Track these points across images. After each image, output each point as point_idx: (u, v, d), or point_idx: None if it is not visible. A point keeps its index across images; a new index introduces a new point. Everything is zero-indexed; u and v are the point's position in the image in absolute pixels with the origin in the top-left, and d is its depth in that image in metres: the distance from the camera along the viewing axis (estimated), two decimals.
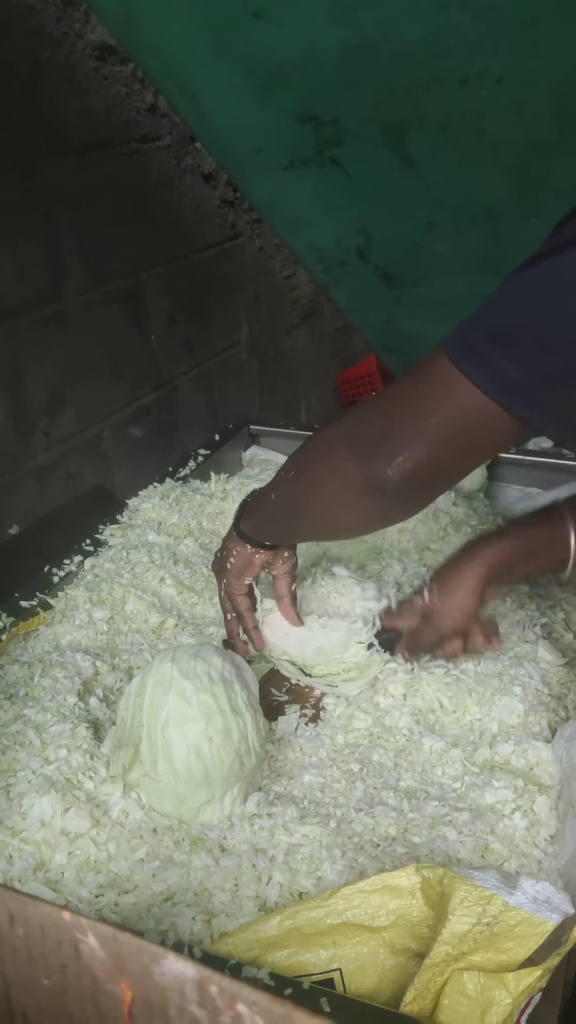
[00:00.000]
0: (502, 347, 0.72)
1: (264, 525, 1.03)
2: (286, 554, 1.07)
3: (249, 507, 1.05)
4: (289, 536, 1.05)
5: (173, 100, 1.55)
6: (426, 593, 1.01)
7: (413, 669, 1.06)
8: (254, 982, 0.56)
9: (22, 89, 1.44)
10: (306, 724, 1.02)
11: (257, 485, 1.43)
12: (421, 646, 1.05)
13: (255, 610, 1.09)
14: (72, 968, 0.41)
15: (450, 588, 0.99)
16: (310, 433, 1.71)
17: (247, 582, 1.08)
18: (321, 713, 1.04)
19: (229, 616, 1.10)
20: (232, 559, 1.06)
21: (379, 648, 1.07)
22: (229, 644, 1.10)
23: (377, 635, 1.08)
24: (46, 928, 0.41)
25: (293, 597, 1.09)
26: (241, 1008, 0.37)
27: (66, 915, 0.41)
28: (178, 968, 0.38)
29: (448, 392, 0.75)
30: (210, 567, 1.12)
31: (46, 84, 1.50)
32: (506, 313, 0.74)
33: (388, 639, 1.07)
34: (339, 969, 0.75)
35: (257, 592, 1.09)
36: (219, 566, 1.09)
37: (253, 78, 1.38)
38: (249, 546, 1.04)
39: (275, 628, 1.08)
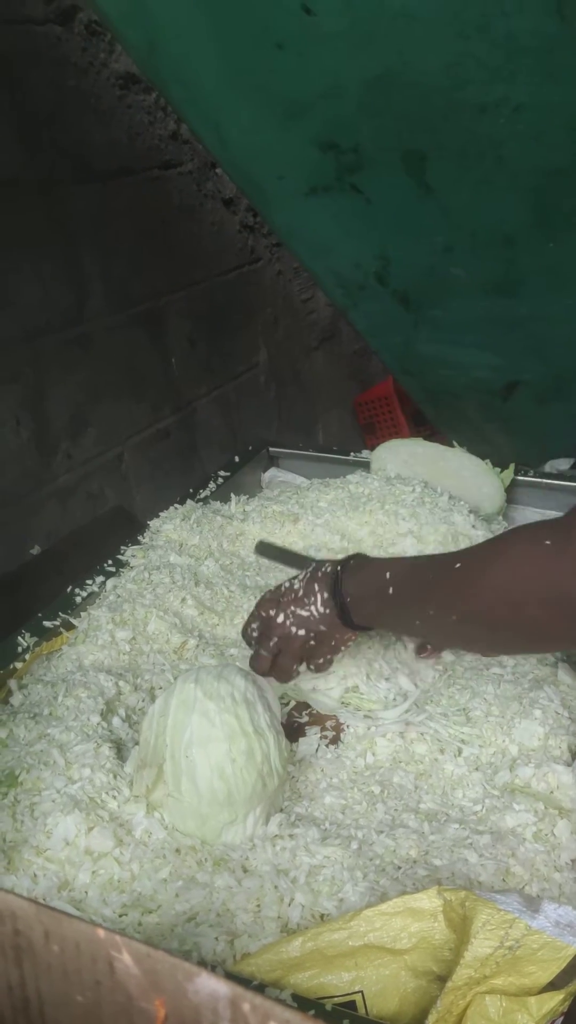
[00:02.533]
0: None
1: (402, 630, 1.02)
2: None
3: (360, 601, 0.96)
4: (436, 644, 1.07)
5: (195, 128, 1.58)
6: None
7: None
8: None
9: (48, 117, 1.47)
10: (327, 746, 1.03)
11: (276, 507, 1.45)
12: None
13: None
14: (106, 985, 0.42)
15: None
16: (328, 455, 1.74)
17: (330, 658, 1.01)
18: (341, 735, 1.04)
19: (265, 653, 1.01)
20: (332, 642, 0.98)
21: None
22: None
23: None
24: (81, 945, 0.42)
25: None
26: None
27: (101, 932, 0.42)
28: (212, 986, 0.39)
29: None
30: (258, 608, 1.04)
31: (71, 112, 1.53)
32: None
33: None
34: (361, 992, 0.75)
35: None
36: (281, 633, 0.99)
37: (275, 107, 1.40)
38: (355, 632, 0.98)
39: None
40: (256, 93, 1.38)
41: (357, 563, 0.99)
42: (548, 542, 0.79)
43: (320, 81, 1.32)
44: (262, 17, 1.24)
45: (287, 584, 1.02)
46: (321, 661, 1.01)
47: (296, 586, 1.01)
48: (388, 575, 0.93)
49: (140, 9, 1.28)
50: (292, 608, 0.99)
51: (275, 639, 1.00)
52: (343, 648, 1.01)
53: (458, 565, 0.87)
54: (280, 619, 1.00)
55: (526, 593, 0.80)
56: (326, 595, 0.97)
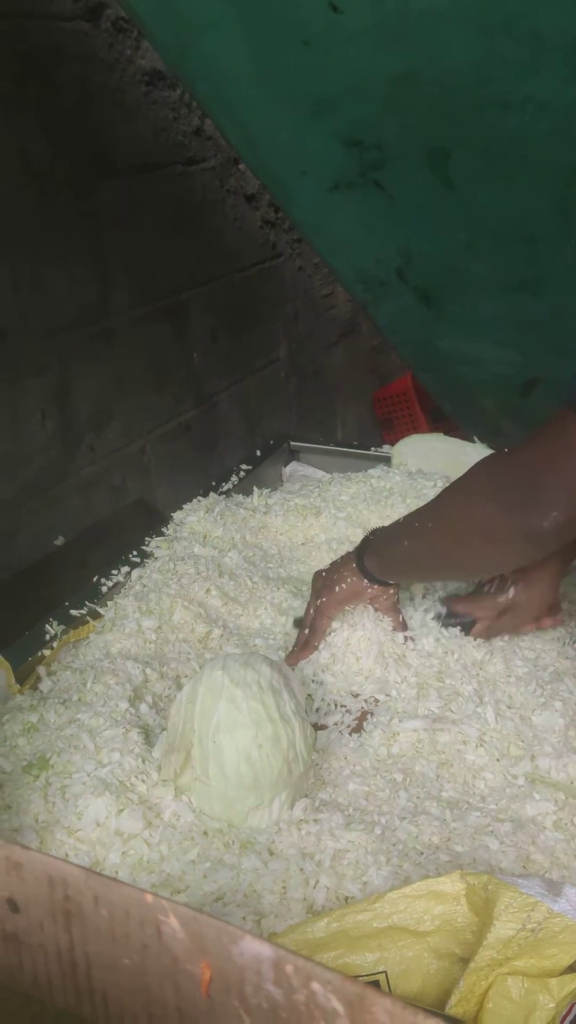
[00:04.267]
0: None
1: (391, 566, 1.10)
2: (392, 591, 1.15)
3: (373, 545, 1.12)
4: (417, 578, 1.16)
5: (220, 124, 1.59)
6: (511, 590, 1.11)
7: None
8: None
9: (74, 113, 1.49)
10: (350, 734, 1.04)
11: (299, 500, 1.47)
12: (498, 632, 1.16)
13: (325, 635, 1.16)
14: (153, 948, 0.43)
15: (532, 582, 1.11)
16: (349, 449, 1.75)
17: (346, 608, 1.16)
18: (364, 724, 1.06)
19: (306, 630, 1.17)
20: (343, 585, 1.13)
21: (456, 629, 1.17)
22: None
23: (446, 618, 1.17)
24: (130, 910, 0.44)
25: (401, 621, 1.18)
26: (315, 986, 0.39)
27: (149, 897, 0.43)
28: (256, 948, 0.41)
29: None
30: (311, 581, 1.19)
31: (97, 108, 1.55)
32: None
33: (464, 623, 1.16)
34: (384, 972, 0.77)
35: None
36: (324, 587, 1.15)
37: (301, 104, 1.41)
38: (366, 580, 1.12)
39: None
40: (282, 90, 1.39)
41: (378, 530, 1.15)
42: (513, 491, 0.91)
43: (346, 78, 1.33)
44: (289, 15, 1.25)
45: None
46: (348, 608, 1.17)
47: (338, 559, 1.18)
48: (406, 543, 1.07)
49: (169, 8, 1.30)
50: (332, 573, 1.15)
51: (322, 598, 1.15)
52: (368, 599, 1.15)
53: (430, 524, 1.03)
54: (331, 578, 1.15)
55: (493, 538, 0.93)
56: (353, 555, 1.14)
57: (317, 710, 1.09)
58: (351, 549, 1.17)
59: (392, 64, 1.28)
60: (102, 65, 1.54)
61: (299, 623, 1.21)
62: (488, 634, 1.16)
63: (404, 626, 1.17)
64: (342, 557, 1.17)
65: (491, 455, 0.99)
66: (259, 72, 1.36)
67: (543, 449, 0.88)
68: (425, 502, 1.35)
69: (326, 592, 1.14)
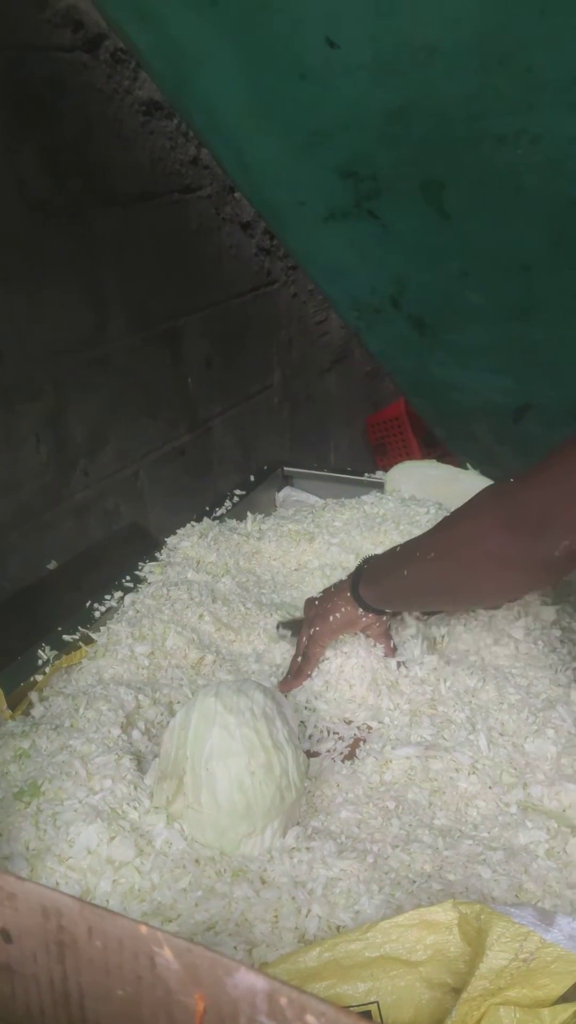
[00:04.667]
0: None
1: (390, 596, 1.09)
2: (385, 618, 1.14)
3: (368, 574, 1.11)
4: (419, 607, 1.14)
5: (217, 154, 1.61)
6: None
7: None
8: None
9: (73, 142, 1.51)
10: (342, 761, 1.04)
11: (292, 526, 1.47)
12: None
13: (318, 663, 1.16)
14: (147, 979, 0.43)
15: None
16: (342, 475, 1.76)
17: (341, 635, 1.15)
18: (357, 751, 1.06)
19: (299, 658, 1.16)
20: (336, 615, 1.13)
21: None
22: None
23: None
24: (123, 941, 0.44)
25: (391, 647, 1.17)
26: (310, 1019, 0.39)
27: (143, 928, 0.43)
28: (250, 980, 0.41)
29: None
30: (303, 608, 1.19)
31: (96, 138, 1.57)
32: None
33: None
34: (376, 1002, 0.76)
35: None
36: (318, 614, 1.15)
37: (297, 135, 1.43)
38: (361, 609, 1.12)
39: None
40: (279, 122, 1.41)
41: (372, 558, 1.14)
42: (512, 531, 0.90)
43: (342, 111, 1.35)
44: (287, 49, 1.27)
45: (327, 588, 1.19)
46: (342, 636, 1.16)
47: (330, 587, 1.18)
48: (406, 572, 1.05)
49: (167, 40, 1.32)
50: (325, 602, 1.15)
51: (315, 627, 1.14)
52: (361, 628, 1.15)
53: (433, 554, 1.01)
54: (324, 606, 1.15)
55: (503, 568, 0.93)
56: (347, 584, 1.13)
57: (310, 737, 1.09)
58: (343, 576, 1.17)
59: (388, 98, 1.30)
60: (101, 95, 1.56)
61: (284, 625, 1.22)
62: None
63: (395, 652, 1.17)
64: (335, 585, 1.16)
65: (498, 483, 0.98)
66: (256, 104, 1.38)
67: (554, 477, 0.88)
68: (418, 528, 1.37)
69: (319, 621, 1.14)
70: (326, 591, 1.17)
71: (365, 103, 1.32)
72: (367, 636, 1.16)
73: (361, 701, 1.13)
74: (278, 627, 1.25)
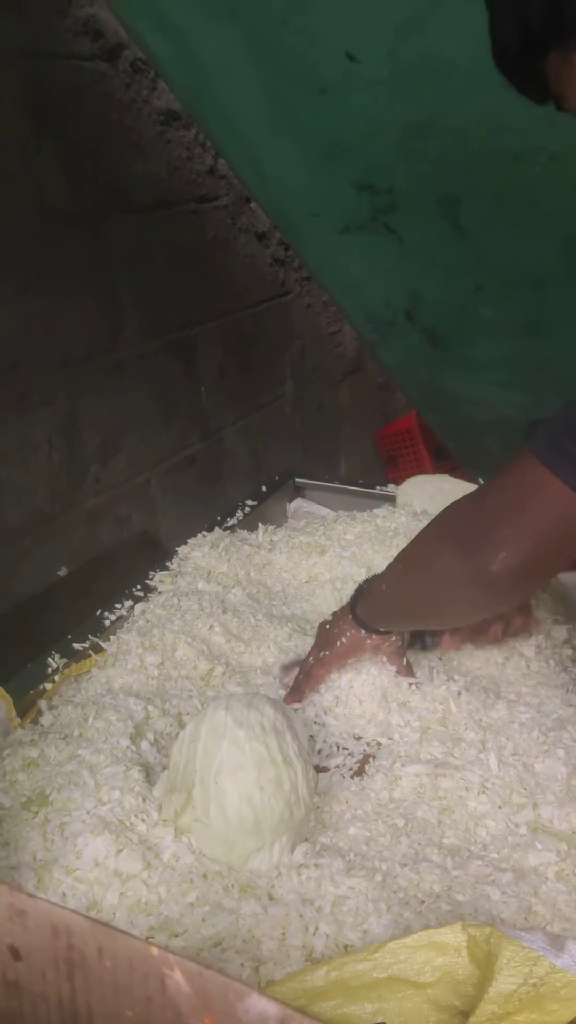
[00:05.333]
0: None
1: (377, 613, 1.09)
2: (394, 638, 1.12)
3: (364, 592, 1.10)
4: (400, 624, 1.11)
5: (234, 164, 1.62)
6: None
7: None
8: None
9: (91, 151, 1.52)
10: (351, 778, 1.04)
11: (304, 538, 1.47)
12: (462, 635, 1.16)
13: (318, 687, 1.15)
14: (157, 1002, 0.43)
15: None
16: (354, 487, 1.76)
17: (349, 662, 1.13)
18: (366, 768, 1.05)
19: (301, 676, 1.15)
20: (343, 639, 1.11)
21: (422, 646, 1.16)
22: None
23: (413, 637, 1.16)
24: (134, 962, 0.43)
25: (406, 666, 1.15)
26: None
27: (154, 950, 0.43)
28: (262, 1006, 0.40)
29: (543, 492, 0.81)
30: (316, 631, 1.17)
31: (114, 146, 1.57)
32: None
33: (422, 633, 1.16)
34: (383, 1023, 0.76)
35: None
36: (326, 640, 1.13)
37: (315, 148, 1.43)
38: (363, 630, 1.10)
39: None
40: (297, 134, 1.41)
41: (372, 577, 1.13)
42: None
43: (360, 125, 1.35)
44: (307, 63, 1.27)
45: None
46: (351, 661, 1.14)
47: (338, 610, 1.17)
48: (384, 587, 1.07)
49: (187, 52, 1.32)
50: (333, 626, 1.13)
51: (324, 651, 1.13)
52: (370, 651, 1.12)
53: (401, 567, 1.04)
54: (332, 631, 1.13)
55: (451, 582, 0.94)
56: (348, 605, 1.13)
57: (319, 752, 1.08)
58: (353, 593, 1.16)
59: (406, 113, 1.30)
60: (119, 105, 1.57)
61: (286, 670, 1.20)
62: (455, 636, 1.15)
63: (410, 671, 1.15)
64: (342, 608, 1.15)
65: (456, 500, 0.98)
66: (274, 116, 1.39)
67: (501, 490, 0.88)
68: None
69: (328, 646, 1.12)
70: (335, 615, 1.16)
71: (383, 117, 1.32)
72: (383, 658, 1.14)
73: (371, 717, 1.12)
74: (281, 670, 1.22)
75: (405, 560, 1.03)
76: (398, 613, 1.09)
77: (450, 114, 1.28)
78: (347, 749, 1.08)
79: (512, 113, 1.27)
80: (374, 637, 1.10)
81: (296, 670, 1.17)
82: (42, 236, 1.43)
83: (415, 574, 1.01)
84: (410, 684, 1.14)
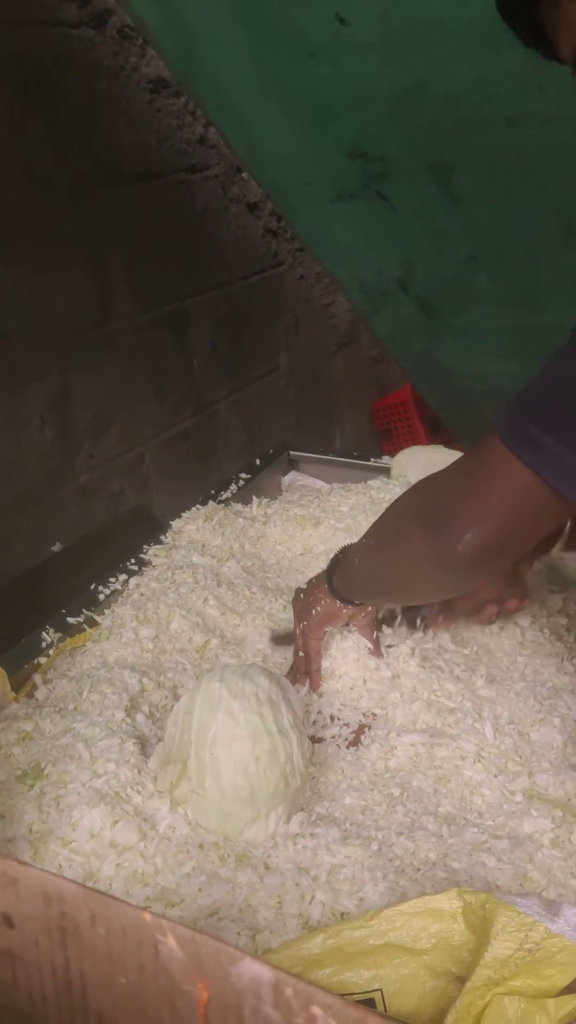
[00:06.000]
0: (556, 432, 0.77)
1: (349, 585, 1.08)
2: (370, 608, 1.13)
3: (339, 562, 1.10)
4: (371, 599, 1.11)
5: (225, 133, 1.60)
6: None
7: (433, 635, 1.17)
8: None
9: (79, 120, 1.49)
10: (347, 748, 1.04)
11: (298, 510, 1.47)
12: (456, 614, 1.15)
13: (322, 653, 1.14)
14: (150, 968, 0.43)
15: None
16: (348, 459, 1.75)
17: (327, 630, 1.13)
18: (362, 738, 1.05)
19: (300, 653, 1.14)
20: (318, 608, 1.11)
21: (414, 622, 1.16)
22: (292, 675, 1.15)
23: (405, 613, 1.16)
24: (127, 928, 0.43)
25: (375, 642, 1.15)
26: (315, 1010, 0.39)
27: (147, 916, 0.43)
28: (255, 970, 0.40)
29: (506, 475, 0.80)
30: (291, 604, 1.17)
31: (102, 115, 1.55)
32: (558, 396, 0.78)
33: (423, 614, 1.16)
34: (380, 989, 0.76)
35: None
36: (302, 609, 1.13)
37: (305, 114, 1.41)
38: (338, 601, 1.10)
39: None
40: (288, 100, 1.39)
41: (347, 547, 1.11)
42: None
43: (351, 90, 1.33)
44: (296, 26, 1.25)
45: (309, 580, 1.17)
46: (328, 628, 1.14)
47: (313, 577, 1.16)
48: (356, 560, 1.06)
49: (177, 18, 1.30)
50: (308, 595, 1.13)
51: (303, 622, 1.13)
52: (344, 619, 1.13)
53: (372, 542, 1.03)
54: (307, 600, 1.13)
55: (417, 561, 0.93)
56: (323, 574, 1.12)
57: (314, 723, 1.08)
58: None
59: (397, 77, 1.28)
60: (107, 72, 1.54)
61: (277, 639, 1.20)
62: (449, 617, 1.15)
63: (378, 650, 1.14)
64: (316, 576, 1.14)
65: (422, 479, 0.97)
66: (264, 82, 1.37)
67: (465, 472, 0.88)
68: None
69: (305, 615, 1.12)
70: (309, 583, 1.15)
71: (374, 82, 1.30)
72: (354, 626, 1.14)
73: (366, 687, 1.12)
74: (272, 639, 1.22)
75: (374, 535, 1.03)
76: (369, 588, 1.09)
77: (441, 78, 1.27)
78: (342, 719, 1.08)
79: (504, 76, 1.26)
80: (349, 608, 1.11)
81: (288, 645, 1.17)
82: (30, 208, 1.41)
83: (384, 551, 1.01)
84: (375, 665, 1.13)
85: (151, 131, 1.66)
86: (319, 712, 1.09)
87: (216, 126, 1.65)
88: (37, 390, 1.47)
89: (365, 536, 1.05)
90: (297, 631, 1.14)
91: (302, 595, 1.14)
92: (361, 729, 1.07)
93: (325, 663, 1.14)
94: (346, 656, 1.14)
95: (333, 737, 1.06)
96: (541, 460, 0.77)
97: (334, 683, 1.13)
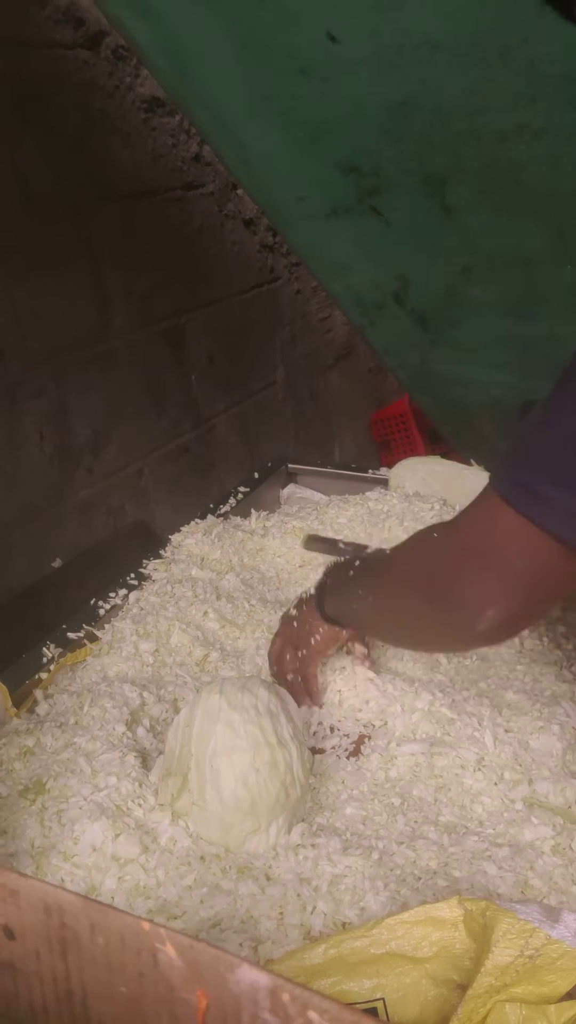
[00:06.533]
0: (565, 486, 0.72)
1: (347, 618, 1.06)
2: None
3: (330, 589, 1.07)
4: (371, 636, 1.11)
5: (219, 150, 1.61)
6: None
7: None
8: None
9: (75, 139, 1.51)
10: (347, 758, 1.04)
11: (296, 523, 1.47)
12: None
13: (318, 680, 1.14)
14: (149, 976, 0.43)
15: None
16: (347, 472, 1.76)
17: (329, 654, 1.12)
18: (362, 748, 1.06)
19: (290, 677, 1.12)
20: (317, 636, 1.08)
21: None
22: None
23: None
24: (126, 937, 0.44)
25: (370, 659, 1.15)
26: (312, 1015, 0.39)
27: (145, 925, 0.43)
28: (252, 976, 0.41)
29: (522, 541, 0.75)
30: (280, 627, 1.15)
31: (97, 134, 1.56)
32: (561, 448, 0.73)
33: None
34: (382, 999, 0.76)
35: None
36: (299, 637, 1.10)
37: (298, 131, 1.42)
38: (335, 626, 1.08)
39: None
40: (280, 117, 1.40)
41: (336, 567, 1.09)
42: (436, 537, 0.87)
43: (343, 107, 1.34)
44: (288, 44, 1.26)
45: (298, 598, 1.14)
46: (330, 653, 1.12)
47: (303, 595, 1.13)
48: (354, 606, 1.02)
49: (169, 38, 1.31)
50: (303, 624, 1.11)
51: (302, 651, 1.10)
52: (332, 646, 1.11)
53: (371, 599, 0.98)
54: (302, 628, 1.11)
55: (428, 630, 0.89)
56: (313, 603, 1.09)
57: (314, 734, 1.09)
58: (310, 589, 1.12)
59: (389, 93, 1.29)
60: (102, 92, 1.56)
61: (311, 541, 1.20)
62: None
63: (371, 661, 1.14)
64: (305, 602, 1.11)
65: (426, 535, 0.90)
66: (256, 100, 1.38)
67: (473, 540, 0.80)
68: (423, 524, 1.36)
69: (303, 644, 1.10)
70: (299, 611, 1.12)
71: (366, 98, 1.31)
72: (349, 645, 1.14)
73: (366, 697, 1.12)
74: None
75: (375, 595, 0.98)
76: (372, 633, 1.08)
77: (433, 93, 1.27)
78: (342, 731, 1.09)
79: (494, 90, 1.27)
80: (348, 630, 1.09)
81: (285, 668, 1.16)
82: (27, 226, 1.42)
83: (389, 615, 0.97)
84: (370, 679, 1.13)
85: (146, 150, 1.68)
86: (319, 723, 1.10)
87: (210, 144, 1.66)
88: (35, 406, 1.48)
89: (363, 591, 0.99)
90: (287, 656, 1.12)
91: (294, 623, 1.11)
92: (361, 740, 1.07)
93: (322, 678, 1.14)
94: (344, 671, 1.15)
95: (333, 748, 1.06)
96: (554, 518, 0.72)
97: (332, 696, 1.13)
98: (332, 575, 1.08)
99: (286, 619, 1.14)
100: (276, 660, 1.14)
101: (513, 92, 1.27)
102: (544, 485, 0.72)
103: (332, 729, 1.09)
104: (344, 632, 1.09)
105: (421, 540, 0.90)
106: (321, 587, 1.08)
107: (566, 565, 0.75)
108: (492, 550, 0.77)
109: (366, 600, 0.99)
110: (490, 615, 0.78)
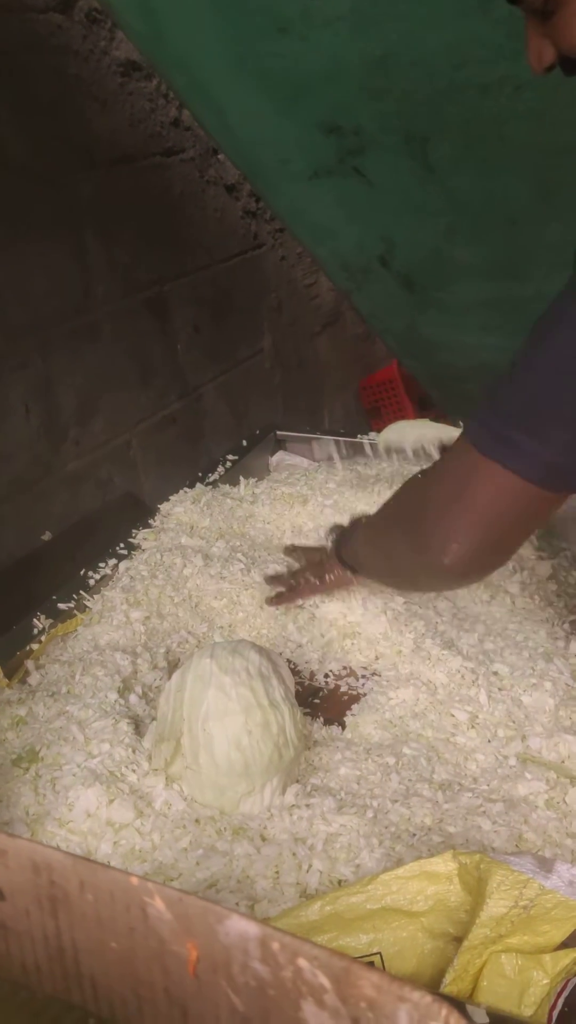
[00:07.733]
0: (535, 433, 0.78)
1: (358, 564, 1.13)
2: None
3: (347, 537, 1.15)
4: (379, 584, 1.16)
5: (198, 114, 1.58)
6: None
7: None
8: None
9: (50, 105, 1.48)
10: (341, 719, 1.04)
11: (286, 489, 1.47)
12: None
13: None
14: (139, 931, 0.43)
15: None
16: (335, 438, 1.75)
17: (334, 593, 1.20)
18: (354, 707, 1.06)
19: (293, 581, 1.21)
20: (332, 576, 1.17)
21: None
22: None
23: None
24: (115, 893, 0.44)
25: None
26: (302, 963, 0.39)
27: (134, 880, 0.43)
28: (242, 927, 0.41)
29: (489, 482, 0.81)
30: (306, 553, 1.25)
31: (73, 100, 1.54)
32: (532, 397, 0.79)
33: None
34: (379, 953, 0.77)
35: None
36: (318, 570, 1.19)
37: (278, 91, 1.40)
38: (348, 571, 1.15)
39: None
40: (259, 78, 1.38)
41: (356, 521, 1.17)
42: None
43: (322, 64, 1.32)
44: (265, 2, 1.24)
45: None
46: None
47: (324, 544, 1.24)
48: (358, 526, 1.12)
49: None
50: (321, 564, 1.19)
51: (314, 579, 1.19)
52: (336, 590, 1.19)
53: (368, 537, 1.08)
54: (321, 564, 1.20)
55: (409, 566, 0.97)
56: (333, 548, 1.18)
57: (304, 692, 1.09)
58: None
59: (368, 48, 1.27)
60: (76, 57, 1.53)
61: (270, 581, 1.24)
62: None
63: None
64: (326, 545, 1.21)
65: (413, 477, 1.00)
66: (235, 60, 1.36)
67: (443, 481, 0.89)
68: None
69: (319, 576, 1.18)
70: (320, 549, 1.22)
71: (345, 54, 1.29)
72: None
73: (358, 651, 1.13)
74: (265, 579, 1.25)
75: (372, 532, 1.07)
76: (374, 576, 1.13)
77: (412, 47, 1.25)
78: (335, 686, 1.09)
79: (475, 43, 1.25)
80: (359, 576, 1.15)
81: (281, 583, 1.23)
82: (4, 196, 1.40)
83: (380, 554, 1.05)
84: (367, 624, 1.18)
85: (123, 115, 1.65)
86: (310, 680, 1.10)
87: (189, 108, 1.64)
88: (20, 378, 1.47)
89: (366, 527, 1.10)
90: (301, 577, 1.20)
91: (318, 560, 1.20)
92: (354, 699, 1.07)
93: (318, 610, 1.19)
94: (334, 625, 1.16)
95: (322, 718, 1.06)
96: (523, 462, 0.78)
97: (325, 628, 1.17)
98: (353, 523, 1.17)
99: (319, 553, 1.22)
100: (298, 567, 1.23)
101: (494, 45, 1.25)
102: (511, 431, 0.78)
103: (324, 687, 1.10)
104: (355, 579, 1.15)
105: (408, 482, 1.00)
106: (341, 531, 1.18)
107: (529, 504, 0.82)
108: (461, 489, 0.84)
109: (365, 541, 1.08)
110: (454, 548, 0.85)
